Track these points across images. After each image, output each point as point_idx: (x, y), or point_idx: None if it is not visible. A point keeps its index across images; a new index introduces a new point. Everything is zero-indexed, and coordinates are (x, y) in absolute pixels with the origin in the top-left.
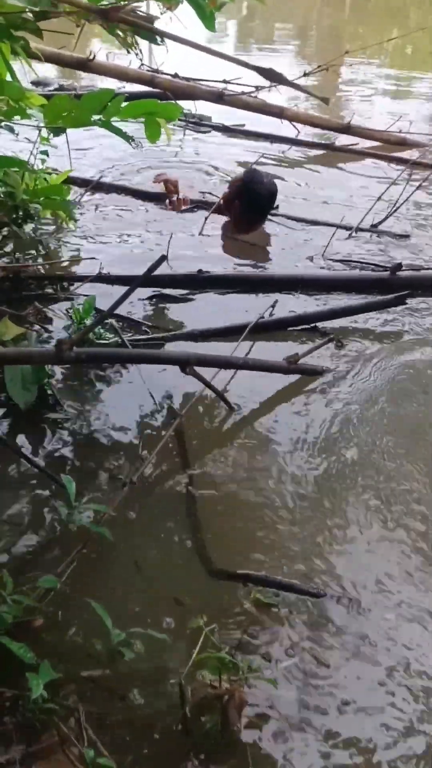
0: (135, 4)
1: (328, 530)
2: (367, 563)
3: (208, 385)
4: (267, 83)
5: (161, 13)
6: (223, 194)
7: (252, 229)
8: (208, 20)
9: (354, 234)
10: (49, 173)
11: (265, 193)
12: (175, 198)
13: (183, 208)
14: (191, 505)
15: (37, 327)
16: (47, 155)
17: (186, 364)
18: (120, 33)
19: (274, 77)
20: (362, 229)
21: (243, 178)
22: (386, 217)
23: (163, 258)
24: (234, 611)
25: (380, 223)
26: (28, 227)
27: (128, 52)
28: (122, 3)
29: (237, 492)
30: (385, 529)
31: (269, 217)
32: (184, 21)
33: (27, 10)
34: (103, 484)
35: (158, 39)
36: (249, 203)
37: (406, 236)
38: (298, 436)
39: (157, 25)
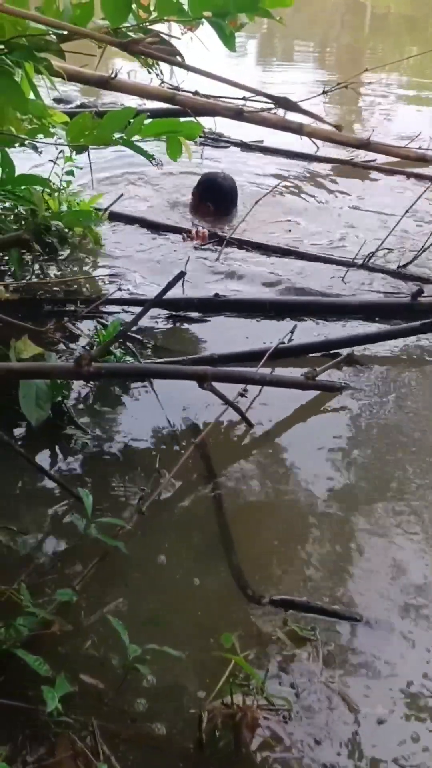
0: (155, 31)
1: (358, 549)
2: (401, 584)
3: (226, 401)
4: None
5: (182, 34)
6: (190, 204)
7: (224, 221)
8: (229, 40)
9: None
10: (79, 199)
11: (226, 187)
12: (194, 231)
13: (203, 243)
14: (213, 521)
15: (57, 345)
16: (73, 175)
17: (204, 379)
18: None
19: (287, 106)
20: (385, 271)
21: (203, 182)
22: (415, 257)
23: (182, 274)
24: (264, 635)
25: (408, 264)
26: (65, 251)
27: (149, 72)
28: (142, 36)
29: (261, 508)
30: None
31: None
32: (204, 40)
33: (50, 32)
34: (121, 501)
35: (177, 58)
36: (215, 200)
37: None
38: (320, 454)
39: (178, 44)
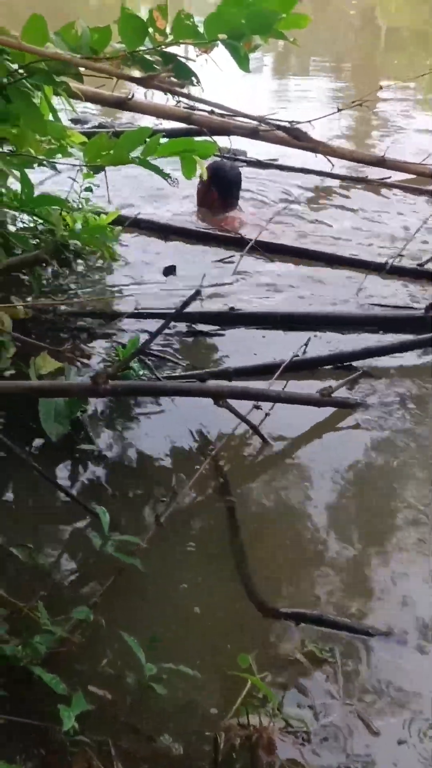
0: (170, 53)
1: (373, 566)
2: (419, 601)
3: (242, 418)
4: (302, 119)
5: (197, 56)
6: (198, 189)
7: (229, 209)
8: (243, 61)
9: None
10: (98, 213)
11: (232, 176)
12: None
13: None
14: (226, 535)
15: (76, 360)
16: (91, 191)
17: (220, 396)
18: (158, 71)
19: (298, 135)
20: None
21: (211, 169)
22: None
23: (198, 293)
24: (281, 654)
25: (428, 261)
26: (79, 265)
27: (165, 94)
28: (158, 70)
29: (275, 523)
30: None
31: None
32: (219, 60)
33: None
34: (138, 516)
35: (194, 81)
36: (220, 188)
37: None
38: (336, 471)
39: (193, 65)
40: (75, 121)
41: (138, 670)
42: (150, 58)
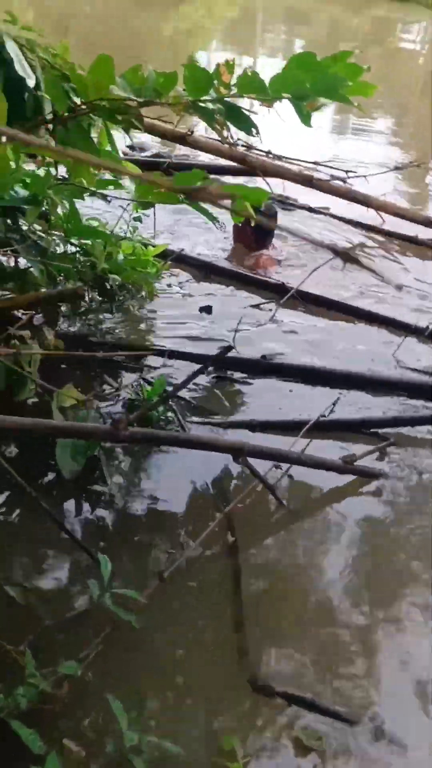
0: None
1: (378, 645)
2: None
3: (260, 478)
4: (356, 171)
5: (260, 105)
6: (233, 225)
7: (264, 246)
8: (306, 119)
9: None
10: (145, 244)
11: (268, 214)
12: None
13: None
14: (229, 598)
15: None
16: (140, 221)
17: (239, 453)
18: (217, 126)
19: (349, 258)
20: None
21: None
22: None
23: (230, 348)
24: (268, 737)
25: None
26: (118, 296)
27: (223, 142)
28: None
29: (284, 590)
30: None
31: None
32: (281, 110)
33: (131, 99)
34: (142, 565)
35: (254, 132)
36: (256, 226)
37: None
38: (350, 540)
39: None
40: (132, 147)
41: (119, 739)
42: (212, 107)
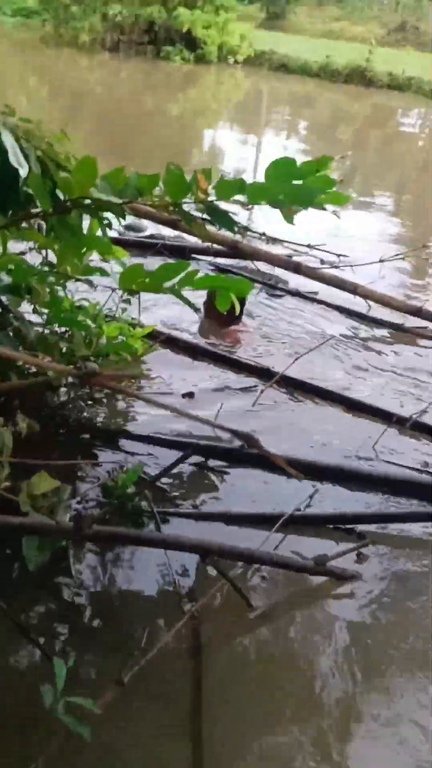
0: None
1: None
2: None
3: (228, 579)
4: (342, 260)
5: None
6: (205, 301)
7: (234, 323)
8: (288, 218)
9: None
10: (132, 325)
11: None
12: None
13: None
14: (194, 710)
15: (76, 478)
16: (129, 303)
17: (207, 553)
18: (196, 227)
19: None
20: (425, 427)
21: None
22: None
23: (198, 446)
24: None
25: None
26: None
27: (203, 240)
28: None
29: (244, 698)
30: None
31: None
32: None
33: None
34: (103, 666)
35: (236, 230)
36: None
37: None
38: (320, 646)
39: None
40: (128, 227)
41: None
42: (194, 209)
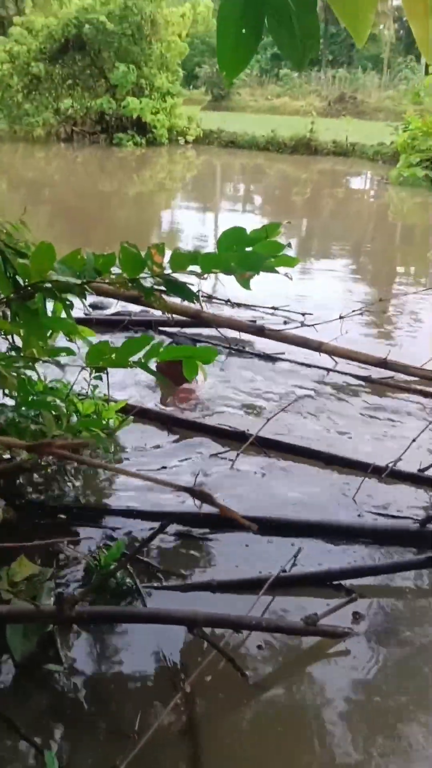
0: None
1: None
2: None
3: (218, 649)
4: (308, 319)
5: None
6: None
7: (185, 382)
8: (244, 284)
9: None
10: (104, 401)
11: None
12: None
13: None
14: None
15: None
16: (101, 379)
17: (194, 624)
18: (154, 300)
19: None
20: (401, 474)
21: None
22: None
23: (174, 517)
24: None
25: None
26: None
27: (163, 312)
28: None
29: None
30: None
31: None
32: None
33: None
34: (98, 755)
35: (195, 301)
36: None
37: None
38: (319, 712)
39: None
40: (94, 306)
41: None
42: (150, 283)
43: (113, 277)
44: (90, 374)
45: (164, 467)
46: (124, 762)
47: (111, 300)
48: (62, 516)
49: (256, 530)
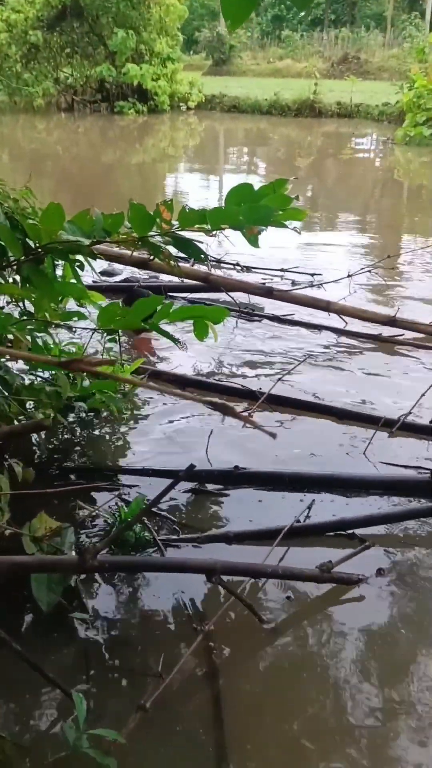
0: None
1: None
2: None
3: (236, 595)
4: (317, 279)
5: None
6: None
7: (143, 331)
8: (251, 241)
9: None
10: (122, 362)
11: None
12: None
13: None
14: (216, 730)
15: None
16: (115, 341)
17: (212, 573)
18: (163, 256)
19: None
20: (413, 427)
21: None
22: None
23: (192, 467)
24: None
25: None
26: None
27: (173, 272)
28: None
29: (267, 717)
30: None
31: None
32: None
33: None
34: (124, 695)
35: (203, 258)
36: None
37: None
38: (336, 653)
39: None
40: (105, 273)
41: None
42: (160, 241)
43: (122, 236)
44: (101, 337)
45: (170, 421)
46: (149, 700)
47: (120, 267)
48: (80, 474)
49: (275, 438)
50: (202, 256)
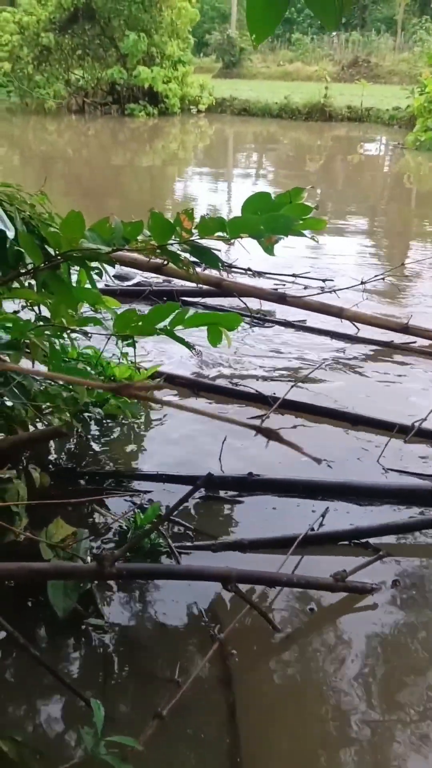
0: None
1: None
2: None
3: (251, 603)
4: (328, 285)
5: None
6: None
7: None
8: (268, 250)
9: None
10: (137, 367)
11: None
12: None
13: None
14: (231, 735)
15: (91, 523)
16: (132, 346)
17: (228, 581)
18: (182, 264)
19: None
20: (429, 433)
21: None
22: None
23: (209, 476)
24: None
25: None
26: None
27: (190, 279)
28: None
29: (278, 724)
30: None
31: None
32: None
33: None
34: (140, 703)
35: (221, 267)
36: None
37: None
38: (350, 661)
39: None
40: (118, 277)
41: None
42: (178, 249)
43: (141, 244)
44: (117, 343)
45: (184, 425)
46: (166, 708)
47: (133, 271)
48: (96, 480)
49: (319, 462)
50: (220, 263)
